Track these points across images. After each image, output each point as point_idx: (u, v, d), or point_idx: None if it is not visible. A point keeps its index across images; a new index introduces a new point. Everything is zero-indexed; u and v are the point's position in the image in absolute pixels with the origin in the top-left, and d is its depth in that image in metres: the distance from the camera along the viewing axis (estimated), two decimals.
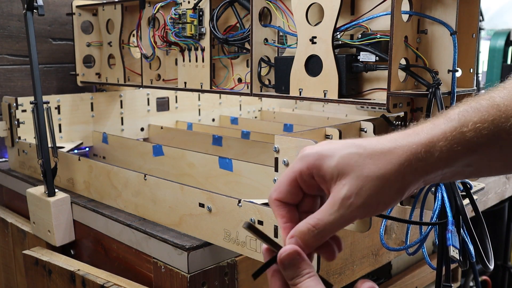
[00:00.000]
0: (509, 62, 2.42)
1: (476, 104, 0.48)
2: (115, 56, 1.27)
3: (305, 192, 0.51)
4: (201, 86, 1.05)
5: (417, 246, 0.78)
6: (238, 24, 0.97)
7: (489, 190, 1.36)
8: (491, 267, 0.72)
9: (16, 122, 1.26)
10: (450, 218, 0.71)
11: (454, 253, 0.69)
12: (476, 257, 0.71)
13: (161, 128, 1.50)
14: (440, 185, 0.75)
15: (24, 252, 1.05)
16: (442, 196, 0.73)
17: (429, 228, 0.75)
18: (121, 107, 1.48)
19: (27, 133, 1.27)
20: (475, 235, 0.72)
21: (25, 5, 1.08)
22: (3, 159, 1.42)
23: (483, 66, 2.65)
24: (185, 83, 1.08)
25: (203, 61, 1.03)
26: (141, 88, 1.49)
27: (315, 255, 0.69)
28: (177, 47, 1.07)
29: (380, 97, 0.81)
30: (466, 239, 0.71)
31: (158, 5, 1.07)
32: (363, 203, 0.46)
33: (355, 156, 0.47)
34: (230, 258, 0.86)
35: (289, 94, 0.89)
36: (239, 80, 1.01)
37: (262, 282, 0.85)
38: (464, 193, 0.77)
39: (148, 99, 1.53)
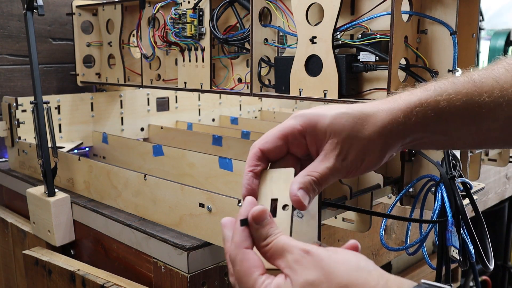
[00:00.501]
0: None
1: (454, 79, 0.52)
2: (115, 56, 1.27)
3: (289, 151, 0.54)
4: (201, 86, 1.04)
5: (417, 246, 0.78)
6: (238, 24, 0.97)
7: (489, 190, 1.36)
8: (491, 267, 0.72)
9: (16, 122, 1.26)
10: (450, 218, 0.71)
11: (454, 253, 0.69)
12: (476, 257, 0.71)
13: (161, 128, 1.50)
14: (440, 185, 0.75)
15: (24, 252, 1.05)
16: (442, 196, 0.73)
17: (429, 227, 0.76)
18: (121, 107, 1.48)
19: (27, 133, 1.27)
20: (475, 235, 0.72)
21: (25, 5, 1.08)
22: (3, 159, 1.42)
23: (483, 66, 2.65)
24: (185, 83, 1.08)
25: (203, 61, 1.03)
26: (141, 88, 1.49)
27: None
28: (177, 47, 1.07)
29: (380, 97, 0.81)
30: (466, 239, 0.71)
31: (158, 5, 1.07)
32: (352, 160, 0.52)
33: (345, 116, 0.52)
34: None
35: (289, 94, 0.89)
36: (239, 80, 1.01)
37: None
38: (464, 193, 0.77)
39: (148, 99, 1.53)
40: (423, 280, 0.41)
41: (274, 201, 0.51)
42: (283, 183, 0.51)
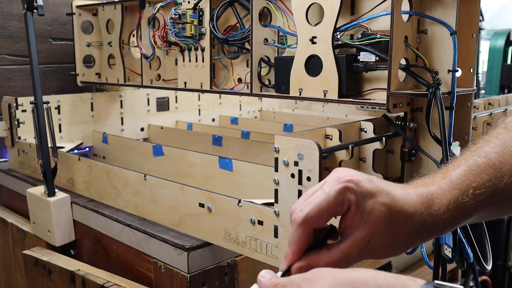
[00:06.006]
0: (509, 62, 2.42)
1: (475, 166, 0.52)
2: (115, 56, 1.27)
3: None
4: (201, 86, 1.05)
5: None
6: (238, 24, 0.97)
7: None
8: (489, 268, 0.72)
9: (16, 122, 1.26)
10: None
11: (447, 251, 0.69)
12: (474, 258, 0.71)
13: (161, 128, 1.50)
14: None
15: (24, 252, 1.06)
16: None
17: None
18: (121, 107, 1.48)
19: (27, 133, 1.27)
20: (474, 235, 0.72)
21: (25, 5, 1.08)
22: (3, 159, 1.42)
23: (483, 66, 2.66)
24: (185, 83, 1.08)
25: (203, 61, 1.03)
26: (141, 88, 1.49)
27: None
28: (177, 47, 1.07)
29: (380, 97, 0.81)
30: (463, 240, 0.71)
31: (158, 5, 1.07)
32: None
33: (388, 208, 0.50)
34: (230, 258, 0.86)
35: (289, 94, 0.89)
36: (239, 80, 1.01)
37: None
38: None
39: (148, 99, 1.53)
40: (436, 281, 0.41)
41: None
42: None
